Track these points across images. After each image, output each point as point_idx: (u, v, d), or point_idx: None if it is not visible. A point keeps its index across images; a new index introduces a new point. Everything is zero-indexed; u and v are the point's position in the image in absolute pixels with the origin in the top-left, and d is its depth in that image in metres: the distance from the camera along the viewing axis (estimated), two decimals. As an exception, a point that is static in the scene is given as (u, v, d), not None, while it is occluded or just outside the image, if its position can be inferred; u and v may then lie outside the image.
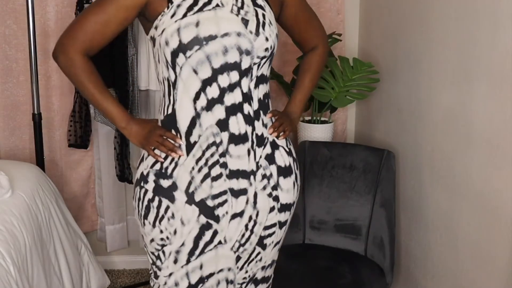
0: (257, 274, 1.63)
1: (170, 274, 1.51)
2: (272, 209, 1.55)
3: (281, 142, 1.57)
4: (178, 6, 1.42)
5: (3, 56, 2.50)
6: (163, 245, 1.50)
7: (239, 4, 1.46)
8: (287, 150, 1.58)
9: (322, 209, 2.29)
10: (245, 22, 1.43)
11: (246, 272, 1.59)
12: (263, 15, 1.48)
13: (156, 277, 1.55)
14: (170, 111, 1.47)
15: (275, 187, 1.54)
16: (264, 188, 1.52)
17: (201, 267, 1.51)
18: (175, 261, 1.50)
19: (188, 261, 1.50)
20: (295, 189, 1.60)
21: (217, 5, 1.43)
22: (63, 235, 2.20)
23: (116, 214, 2.73)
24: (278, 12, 1.60)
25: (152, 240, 1.52)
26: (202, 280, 1.52)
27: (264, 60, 1.47)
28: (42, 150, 2.39)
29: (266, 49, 1.46)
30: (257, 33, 1.44)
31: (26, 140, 2.59)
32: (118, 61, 2.34)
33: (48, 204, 2.17)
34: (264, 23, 1.46)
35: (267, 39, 1.45)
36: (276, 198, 1.55)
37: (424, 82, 2.03)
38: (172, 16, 1.42)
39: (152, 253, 1.53)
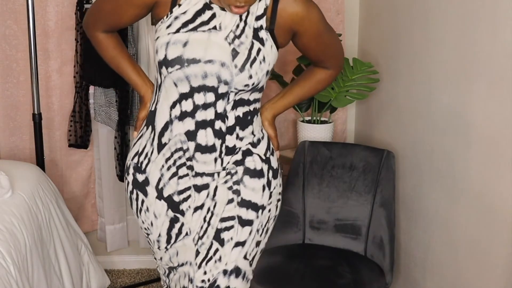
0: (218, 281, 1.49)
1: (161, 258, 1.63)
2: (230, 201, 1.51)
3: (258, 150, 1.53)
4: (176, 18, 1.41)
5: (3, 56, 2.50)
6: (147, 234, 1.61)
7: (238, 32, 1.40)
8: (263, 158, 1.53)
9: (322, 209, 2.29)
10: (235, 53, 1.38)
11: (205, 273, 1.51)
12: (258, 51, 1.41)
13: (155, 258, 1.68)
14: (153, 108, 1.52)
15: (237, 182, 1.51)
16: (226, 182, 1.51)
17: (177, 254, 1.58)
18: (159, 248, 1.61)
19: (166, 248, 1.59)
20: (266, 193, 1.53)
21: (214, 28, 1.40)
22: (63, 235, 2.20)
23: (116, 214, 2.74)
24: (287, 41, 1.52)
25: (141, 228, 1.63)
26: (181, 265, 1.60)
27: (242, 91, 1.43)
28: (42, 150, 2.39)
29: (246, 85, 1.41)
30: (241, 69, 1.39)
31: (26, 140, 2.59)
32: (118, 61, 2.34)
33: (48, 204, 2.17)
34: (254, 60, 1.40)
35: (250, 77, 1.40)
36: (236, 192, 1.51)
37: (424, 82, 2.03)
38: (168, 27, 1.41)
39: (145, 237, 1.66)
